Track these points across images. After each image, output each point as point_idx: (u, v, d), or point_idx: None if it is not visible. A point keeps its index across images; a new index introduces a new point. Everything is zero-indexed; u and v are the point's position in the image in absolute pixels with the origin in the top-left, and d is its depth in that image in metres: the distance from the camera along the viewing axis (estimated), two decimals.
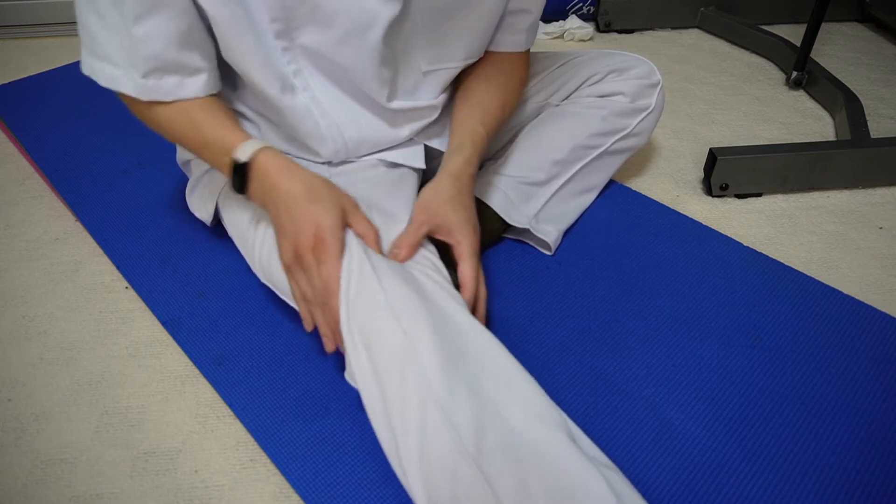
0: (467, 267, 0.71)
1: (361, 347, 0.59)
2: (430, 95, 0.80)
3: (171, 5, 0.63)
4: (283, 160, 0.67)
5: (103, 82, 0.68)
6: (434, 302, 0.61)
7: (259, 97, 0.74)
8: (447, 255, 0.74)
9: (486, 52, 0.83)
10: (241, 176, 0.68)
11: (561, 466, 0.52)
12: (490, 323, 0.83)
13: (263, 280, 0.80)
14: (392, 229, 0.71)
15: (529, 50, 0.87)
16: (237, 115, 0.80)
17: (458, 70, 0.80)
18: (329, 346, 0.66)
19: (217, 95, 0.72)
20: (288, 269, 0.68)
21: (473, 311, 0.71)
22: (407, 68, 0.76)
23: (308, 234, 0.63)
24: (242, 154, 0.67)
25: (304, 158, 0.80)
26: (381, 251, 0.66)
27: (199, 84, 0.69)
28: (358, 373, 0.59)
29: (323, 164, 0.80)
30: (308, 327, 0.69)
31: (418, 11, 0.71)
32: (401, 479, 0.57)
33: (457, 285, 0.72)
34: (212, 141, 0.69)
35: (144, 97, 0.67)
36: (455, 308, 0.62)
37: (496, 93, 0.82)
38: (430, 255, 0.71)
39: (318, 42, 0.68)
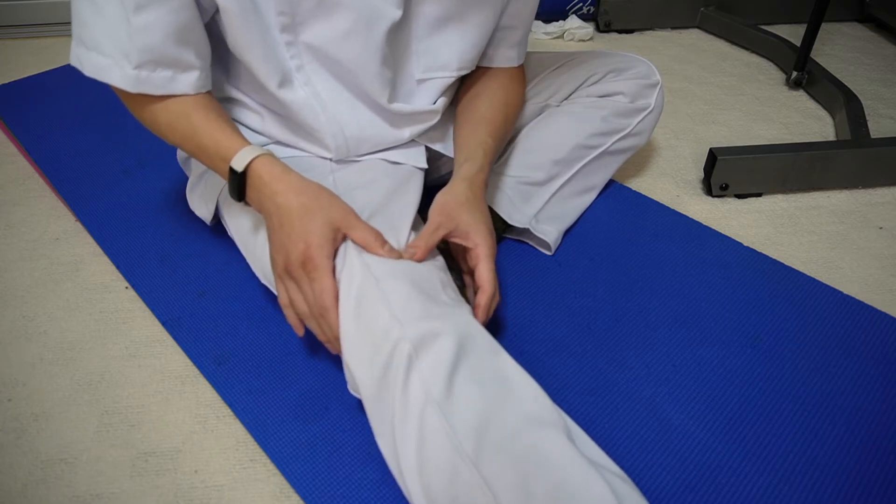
0: (485, 269, 0.70)
1: (364, 357, 0.59)
2: (426, 102, 0.80)
3: None
4: (278, 168, 0.67)
5: (88, 72, 0.67)
6: (438, 304, 0.61)
7: (260, 89, 0.74)
8: (452, 258, 0.74)
9: (483, 69, 0.85)
10: (238, 184, 0.68)
11: (561, 468, 0.51)
12: (490, 323, 0.82)
13: (263, 280, 0.80)
14: (392, 239, 0.69)
15: (523, 65, 0.89)
16: (241, 106, 0.80)
17: (452, 80, 0.80)
18: (335, 350, 0.66)
19: (210, 95, 0.72)
20: (278, 277, 0.68)
21: (486, 313, 0.70)
22: (403, 74, 0.77)
23: (297, 251, 0.64)
24: (238, 164, 0.67)
25: (308, 153, 0.80)
26: (385, 252, 0.65)
27: (190, 80, 0.69)
28: (360, 381, 0.60)
29: (326, 160, 0.80)
30: (299, 332, 0.70)
31: (416, 19, 0.72)
32: (400, 484, 0.57)
33: (460, 287, 0.71)
34: (208, 145, 0.69)
35: (133, 89, 0.66)
36: (459, 311, 0.62)
37: (498, 107, 0.84)
38: (436, 255, 0.71)
39: (323, 38, 0.69)
